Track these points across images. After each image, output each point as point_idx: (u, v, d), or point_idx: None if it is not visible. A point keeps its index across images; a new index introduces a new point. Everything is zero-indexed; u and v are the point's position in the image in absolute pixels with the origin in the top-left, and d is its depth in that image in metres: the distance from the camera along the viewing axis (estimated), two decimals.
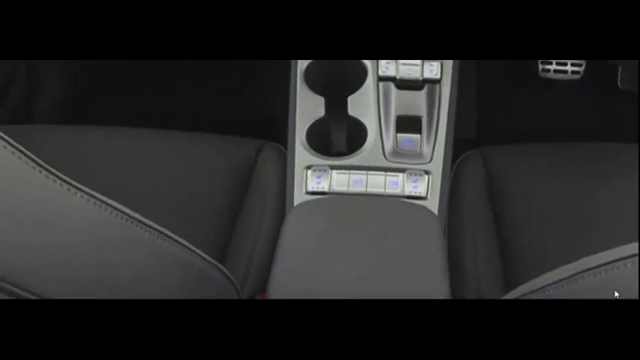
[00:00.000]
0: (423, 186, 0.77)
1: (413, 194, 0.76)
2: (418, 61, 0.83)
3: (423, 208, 0.73)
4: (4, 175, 0.36)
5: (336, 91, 0.81)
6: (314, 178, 0.78)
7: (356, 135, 0.81)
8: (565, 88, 1.20)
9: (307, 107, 0.82)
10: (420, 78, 0.83)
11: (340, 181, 0.77)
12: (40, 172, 0.37)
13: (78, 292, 0.37)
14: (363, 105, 0.82)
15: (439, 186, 0.78)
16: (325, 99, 0.81)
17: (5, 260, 0.33)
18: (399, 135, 0.81)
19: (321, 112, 0.82)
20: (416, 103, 0.83)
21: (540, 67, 1.18)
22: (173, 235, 0.47)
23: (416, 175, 0.78)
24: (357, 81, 0.83)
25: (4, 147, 0.36)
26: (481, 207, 0.82)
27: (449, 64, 0.85)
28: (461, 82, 0.85)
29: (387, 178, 0.77)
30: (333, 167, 0.78)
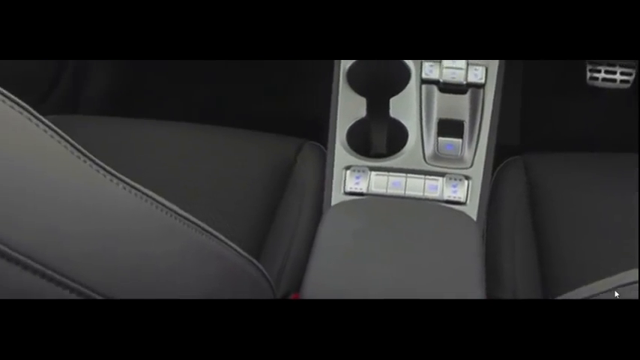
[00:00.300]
0: (463, 191, 0.76)
1: (452, 199, 0.76)
2: (462, 65, 0.83)
3: (462, 213, 0.73)
4: (50, 165, 0.36)
5: (379, 92, 0.81)
6: (353, 178, 0.78)
7: (396, 137, 0.81)
8: (613, 97, 1.18)
9: (349, 107, 0.82)
10: (464, 82, 0.82)
11: (379, 182, 0.77)
12: (85, 162, 0.38)
13: (116, 282, 0.38)
14: (404, 107, 0.82)
15: (479, 191, 0.77)
16: (367, 100, 0.81)
17: (47, 246, 0.34)
18: (440, 139, 0.81)
19: (362, 112, 0.82)
20: (459, 107, 0.82)
21: (588, 74, 1.16)
22: (211, 229, 0.47)
23: (456, 179, 0.77)
24: (399, 83, 0.83)
25: (52, 137, 0.37)
26: (521, 214, 0.81)
27: (494, 68, 0.84)
28: (506, 88, 0.84)
29: (427, 181, 0.77)
30: (372, 168, 0.78)
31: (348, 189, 0.77)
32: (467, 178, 0.77)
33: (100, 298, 0.36)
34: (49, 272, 0.33)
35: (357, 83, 0.83)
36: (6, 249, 0.31)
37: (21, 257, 0.32)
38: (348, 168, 0.79)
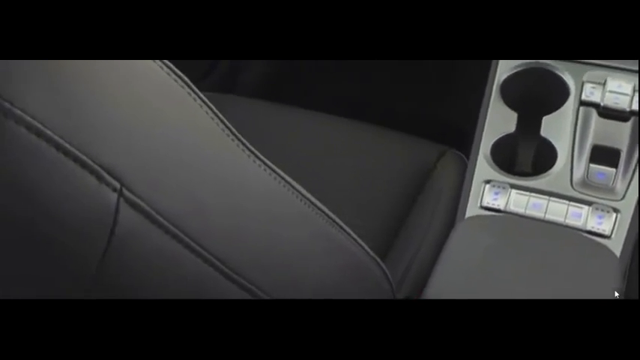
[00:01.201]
0: (609, 224, 0.72)
1: (595, 230, 0.71)
2: (629, 91, 0.78)
3: (604, 247, 0.68)
4: (202, 139, 0.39)
5: (532, 108, 0.78)
6: (491, 193, 0.75)
7: (544, 157, 0.77)
8: None
9: (498, 120, 0.80)
10: (628, 109, 0.77)
11: (518, 201, 0.74)
12: (233, 140, 0.40)
13: (245, 258, 0.39)
14: (557, 127, 0.78)
15: (627, 227, 0.72)
16: (518, 115, 0.79)
17: (190, 215, 0.36)
18: (592, 165, 0.76)
19: (511, 127, 0.79)
20: (617, 134, 0.77)
21: None
22: (341, 223, 0.48)
23: (602, 210, 0.73)
24: (556, 101, 0.79)
25: (206, 112, 0.39)
26: None
27: None
28: None
29: (570, 208, 0.73)
30: (513, 186, 0.76)
31: (484, 203, 0.75)
32: (615, 210, 0.73)
33: (228, 271, 0.38)
34: (187, 239, 0.35)
35: (510, 97, 0.80)
36: (153, 212, 0.33)
37: (164, 222, 0.34)
38: (488, 182, 0.76)
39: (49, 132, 0.29)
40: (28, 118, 0.28)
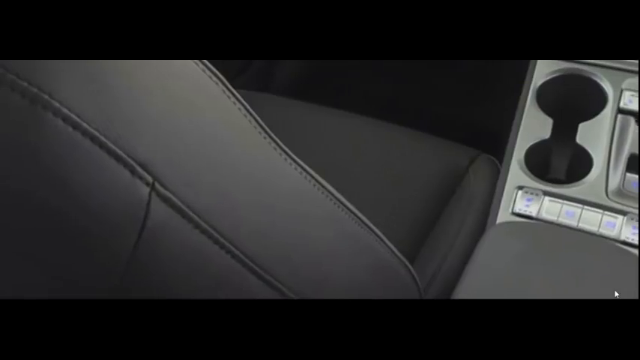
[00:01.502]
0: None
1: (629, 241, 0.70)
2: None
3: (638, 258, 0.67)
4: (234, 136, 0.39)
5: (568, 115, 0.77)
6: (523, 200, 0.74)
7: (579, 165, 0.76)
8: None
9: (532, 126, 0.79)
10: None
11: (551, 209, 0.73)
12: (264, 138, 0.40)
13: (271, 256, 0.39)
14: (594, 135, 0.77)
15: None
16: (554, 121, 0.77)
17: (219, 211, 0.36)
18: (628, 175, 0.75)
19: (546, 133, 0.78)
20: None
21: None
22: (370, 224, 0.48)
23: (637, 221, 0.71)
24: (593, 109, 0.78)
25: (239, 109, 0.39)
26: None
27: None
28: None
29: (604, 217, 0.72)
30: (546, 193, 0.75)
31: (516, 209, 0.74)
32: None
33: (256, 268, 0.38)
34: (216, 235, 0.35)
35: (546, 102, 0.79)
36: (184, 207, 0.34)
37: (195, 217, 0.34)
38: (520, 188, 0.76)
39: (85, 124, 0.30)
40: (66, 111, 0.29)
